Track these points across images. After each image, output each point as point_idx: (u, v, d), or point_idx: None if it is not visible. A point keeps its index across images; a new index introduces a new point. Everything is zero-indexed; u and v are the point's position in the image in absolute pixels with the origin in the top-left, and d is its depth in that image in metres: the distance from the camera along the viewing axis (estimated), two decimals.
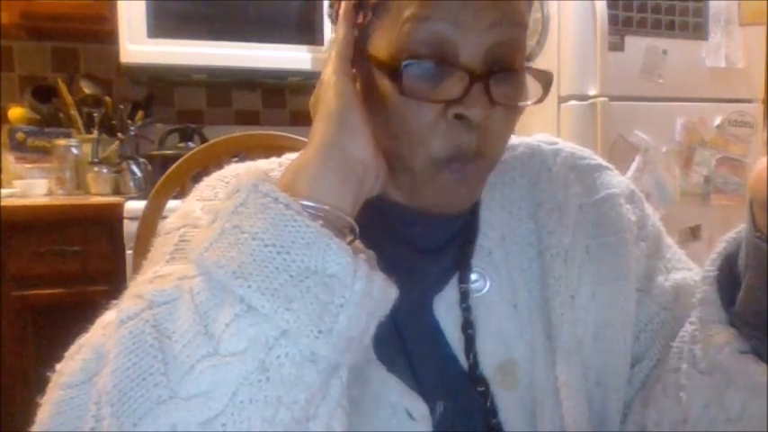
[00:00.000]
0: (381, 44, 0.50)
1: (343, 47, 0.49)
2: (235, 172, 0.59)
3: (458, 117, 0.48)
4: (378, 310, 0.42)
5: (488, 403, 0.53)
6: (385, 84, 0.49)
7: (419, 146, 0.49)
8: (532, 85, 0.52)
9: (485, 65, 0.48)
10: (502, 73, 0.49)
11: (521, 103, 0.51)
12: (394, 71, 0.48)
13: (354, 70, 0.51)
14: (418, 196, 0.53)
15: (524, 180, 0.60)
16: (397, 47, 0.48)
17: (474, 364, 0.54)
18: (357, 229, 0.45)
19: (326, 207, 0.43)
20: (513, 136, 0.58)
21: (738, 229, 0.48)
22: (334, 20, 0.53)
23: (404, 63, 0.47)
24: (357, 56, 0.51)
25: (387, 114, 0.50)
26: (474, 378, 0.54)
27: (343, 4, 0.51)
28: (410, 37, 0.48)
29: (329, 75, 0.48)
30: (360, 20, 0.51)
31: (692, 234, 1.94)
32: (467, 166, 0.50)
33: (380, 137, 0.49)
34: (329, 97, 0.47)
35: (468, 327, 0.54)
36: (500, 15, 0.48)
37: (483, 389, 0.54)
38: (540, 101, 0.52)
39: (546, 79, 0.52)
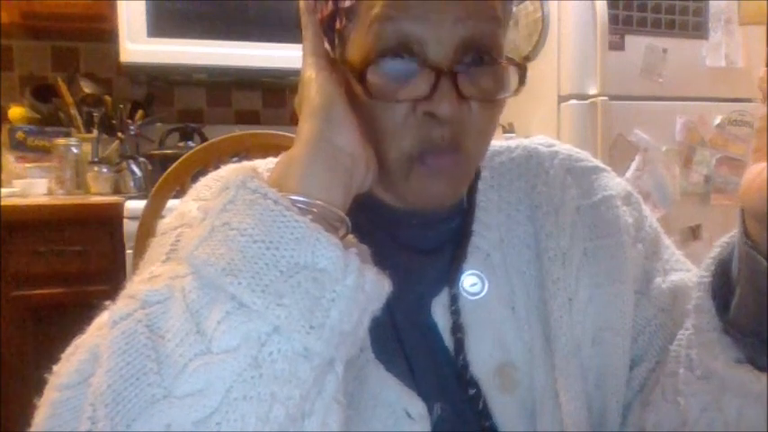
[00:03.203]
0: (353, 48, 0.50)
1: (315, 44, 0.49)
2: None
3: (427, 114, 0.48)
4: (371, 303, 0.42)
5: (480, 406, 0.53)
6: (357, 87, 0.49)
7: (392, 143, 0.50)
8: (514, 78, 0.52)
9: (454, 60, 0.48)
10: (473, 67, 0.49)
11: (495, 97, 0.50)
12: (360, 75, 0.48)
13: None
14: (399, 194, 0.53)
15: (522, 182, 0.60)
16: (365, 49, 0.48)
17: (464, 367, 0.54)
18: (349, 223, 0.45)
19: (318, 202, 0.43)
20: (511, 138, 0.57)
21: (732, 234, 0.48)
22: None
23: (369, 67, 0.48)
24: (340, 62, 0.51)
25: (362, 116, 0.49)
26: (465, 381, 0.54)
27: (302, 4, 0.51)
28: (377, 37, 0.48)
29: (308, 73, 0.48)
30: (338, 25, 0.51)
31: (692, 234, 1.93)
32: (440, 160, 0.50)
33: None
34: (312, 94, 0.46)
35: (457, 330, 0.54)
36: (466, 10, 0.47)
37: (474, 391, 0.53)
38: (515, 93, 0.51)
39: (521, 72, 0.51)
